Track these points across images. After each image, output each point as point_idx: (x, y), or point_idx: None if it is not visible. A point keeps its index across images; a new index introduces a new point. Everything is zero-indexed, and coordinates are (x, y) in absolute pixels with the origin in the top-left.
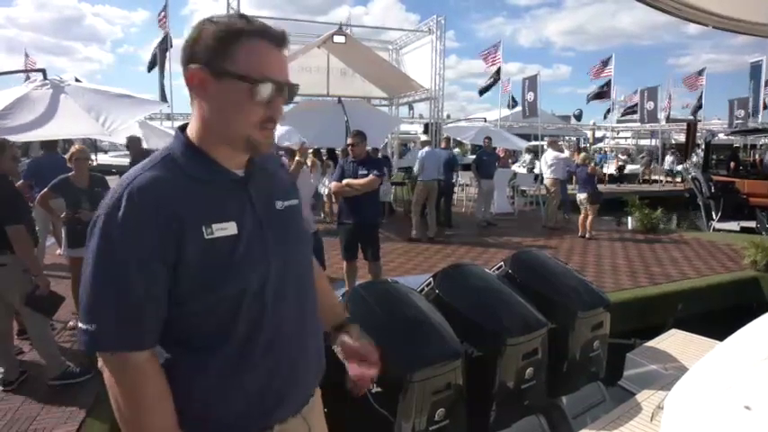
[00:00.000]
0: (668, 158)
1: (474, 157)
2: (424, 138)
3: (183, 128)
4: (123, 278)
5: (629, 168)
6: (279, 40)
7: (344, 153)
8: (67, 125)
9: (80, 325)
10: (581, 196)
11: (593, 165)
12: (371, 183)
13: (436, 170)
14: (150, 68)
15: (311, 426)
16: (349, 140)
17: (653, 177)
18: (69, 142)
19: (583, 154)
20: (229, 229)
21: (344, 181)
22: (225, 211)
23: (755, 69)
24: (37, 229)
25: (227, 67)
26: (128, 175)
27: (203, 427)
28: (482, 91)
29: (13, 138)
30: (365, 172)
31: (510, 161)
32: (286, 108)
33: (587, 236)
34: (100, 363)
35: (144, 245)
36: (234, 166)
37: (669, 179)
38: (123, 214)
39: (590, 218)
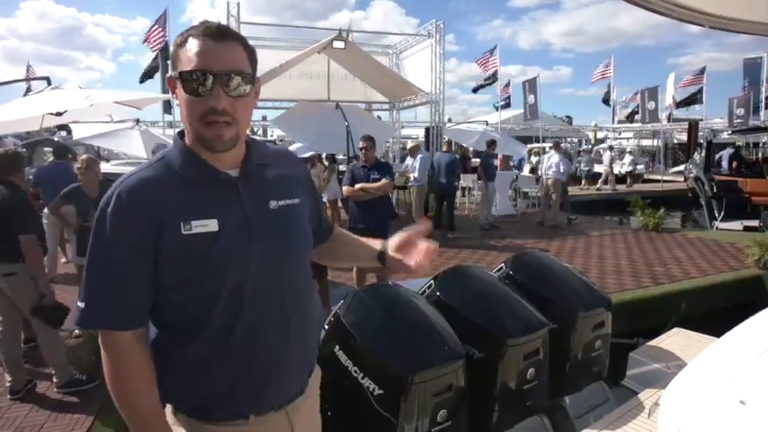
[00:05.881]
0: (627, 158)
1: (479, 159)
2: (410, 144)
3: (181, 133)
4: (108, 266)
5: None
6: (215, 33)
7: (350, 159)
8: (46, 104)
9: (77, 303)
10: None
11: None
12: (385, 186)
13: (427, 174)
14: (142, 80)
15: (294, 425)
16: (361, 144)
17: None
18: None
19: None
20: (210, 225)
21: (357, 185)
22: (208, 209)
23: (750, 66)
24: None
25: (177, 68)
26: (124, 175)
27: (187, 404)
28: (476, 89)
29: None
30: (377, 176)
31: (511, 164)
32: (279, 111)
33: None
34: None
35: (126, 238)
36: (225, 165)
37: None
38: (111, 211)
39: None
